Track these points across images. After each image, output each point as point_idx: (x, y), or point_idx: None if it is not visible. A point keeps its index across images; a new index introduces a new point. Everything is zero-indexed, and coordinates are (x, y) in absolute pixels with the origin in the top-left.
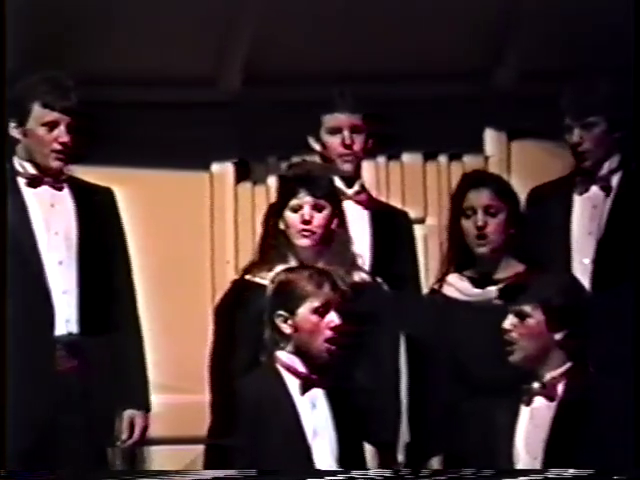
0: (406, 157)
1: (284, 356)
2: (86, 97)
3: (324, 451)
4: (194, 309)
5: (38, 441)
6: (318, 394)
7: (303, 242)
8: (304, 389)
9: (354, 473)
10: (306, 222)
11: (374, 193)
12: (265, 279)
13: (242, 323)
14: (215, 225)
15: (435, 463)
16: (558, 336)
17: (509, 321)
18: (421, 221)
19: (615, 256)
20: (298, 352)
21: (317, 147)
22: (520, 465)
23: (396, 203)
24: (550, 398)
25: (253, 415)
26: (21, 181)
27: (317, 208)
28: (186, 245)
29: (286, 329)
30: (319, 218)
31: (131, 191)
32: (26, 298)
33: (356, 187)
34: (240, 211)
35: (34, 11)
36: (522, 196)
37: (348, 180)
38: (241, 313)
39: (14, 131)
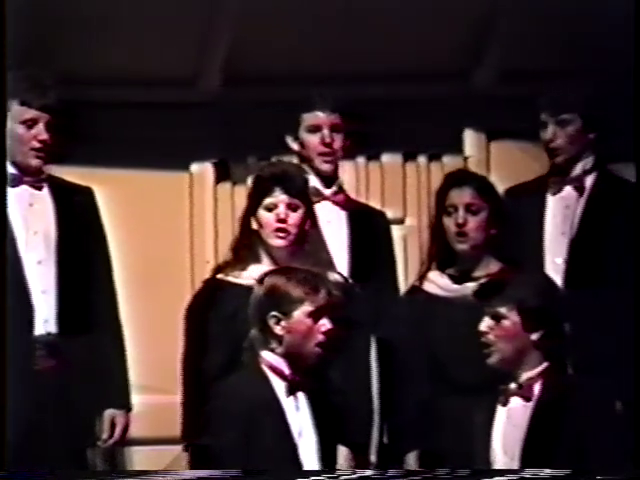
0: (386, 157)
1: (270, 357)
2: (66, 96)
3: (309, 451)
4: (174, 309)
5: (17, 441)
6: (300, 396)
7: (278, 242)
8: (290, 391)
9: (339, 473)
10: (281, 221)
11: (354, 193)
12: (239, 278)
13: (216, 322)
14: (195, 225)
15: (411, 462)
16: (534, 336)
17: (485, 323)
18: (401, 221)
19: (588, 256)
20: (287, 354)
21: (295, 147)
22: (497, 465)
23: (376, 203)
24: (527, 398)
25: (239, 415)
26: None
27: (292, 208)
28: (166, 245)
29: (279, 330)
30: (294, 217)
31: (111, 191)
32: (5, 298)
33: (334, 187)
34: (220, 211)
35: (16, 11)
36: None
37: (326, 180)
38: (214, 312)
39: None
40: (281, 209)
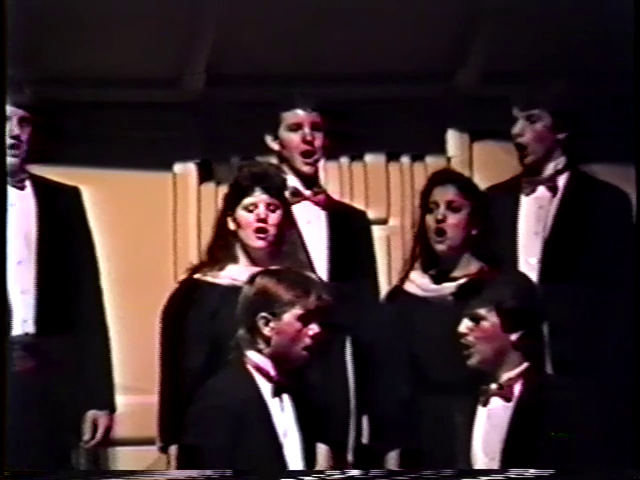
0: (369, 158)
1: (256, 357)
2: (49, 96)
3: (294, 452)
4: (157, 309)
5: None
6: (285, 397)
7: (258, 244)
8: (275, 392)
9: (327, 473)
10: (262, 220)
11: (338, 194)
12: (217, 278)
13: (195, 322)
14: (178, 225)
15: (392, 461)
16: (513, 337)
17: (464, 325)
18: (384, 221)
19: (561, 256)
20: (274, 355)
21: (275, 146)
22: (478, 465)
23: (359, 204)
24: (507, 399)
25: (224, 415)
26: None
27: (271, 208)
28: (149, 245)
29: (267, 331)
30: (273, 218)
31: (93, 191)
32: None
33: (314, 188)
34: (203, 211)
35: None
36: None
37: (306, 181)
38: (193, 312)
39: None
40: (261, 209)
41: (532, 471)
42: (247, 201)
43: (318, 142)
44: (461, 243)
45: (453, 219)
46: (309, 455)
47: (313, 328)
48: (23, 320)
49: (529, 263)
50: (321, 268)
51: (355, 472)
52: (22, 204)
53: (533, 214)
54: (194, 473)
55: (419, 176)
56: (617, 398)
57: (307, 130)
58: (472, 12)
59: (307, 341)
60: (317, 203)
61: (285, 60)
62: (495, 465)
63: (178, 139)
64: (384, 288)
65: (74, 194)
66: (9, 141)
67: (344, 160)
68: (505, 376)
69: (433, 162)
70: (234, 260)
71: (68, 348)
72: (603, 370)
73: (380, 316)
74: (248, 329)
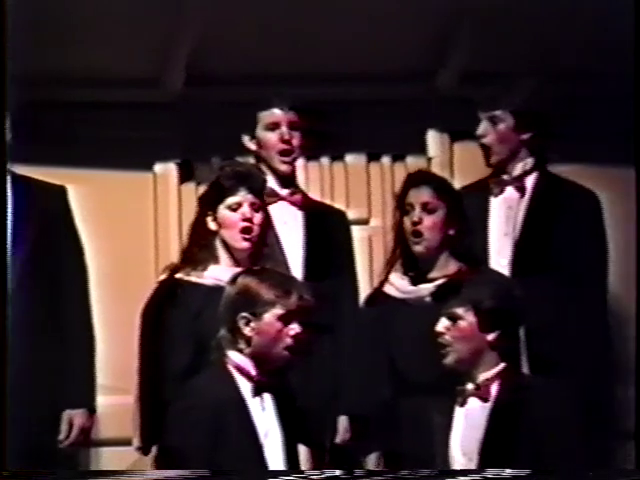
0: (350, 158)
1: (237, 357)
2: (29, 96)
3: (275, 452)
4: (136, 309)
5: None
6: (266, 397)
7: (243, 244)
8: (256, 392)
9: (308, 473)
10: (247, 220)
11: (318, 194)
12: (201, 278)
13: (178, 322)
14: (159, 225)
15: (372, 462)
16: (490, 337)
17: (442, 324)
18: (365, 222)
19: (532, 256)
20: (255, 355)
21: (252, 146)
22: (456, 466)
23: (340, 204)
24: (484, 399)
25: (205, 415)
26: None
27: (255, 208)
28: (130, 245)
29: (248, 331)
30: (258, 218)
31: (73, 190)
32: None
33: (291, 187)
34: (184, 211)
35: None
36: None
37: (283, 180)
38: (176, 312)
39: None
40: (246, 208)
41: (509, 471)
42: (231, 200)
43: (296, 141)
44: (439, 244)
45: (429, 221)
46: (291, 455)
47: (294, 328)
48: None
49: (500, 264)
50: (296, 268)
51: (337, 472)
52: None
53: (503, 215)
54: (172, 474)
55: (400, 176)
56: (593, 397)
57: (285, 129)
58: (453, 12)
59: (288, 341)
60: (294, 203)
61: (265, 60)
62: (473, 465)
63: (159, 139)
64: (366, 289)
65: (60, 192)
66: None
67: (325, 160)
68: (482, 376)
69: (414, 162)
70: (215, 260)
71: (48, 347)
72: (577, 369)
73: (360, 318)
74: (229, 329)
